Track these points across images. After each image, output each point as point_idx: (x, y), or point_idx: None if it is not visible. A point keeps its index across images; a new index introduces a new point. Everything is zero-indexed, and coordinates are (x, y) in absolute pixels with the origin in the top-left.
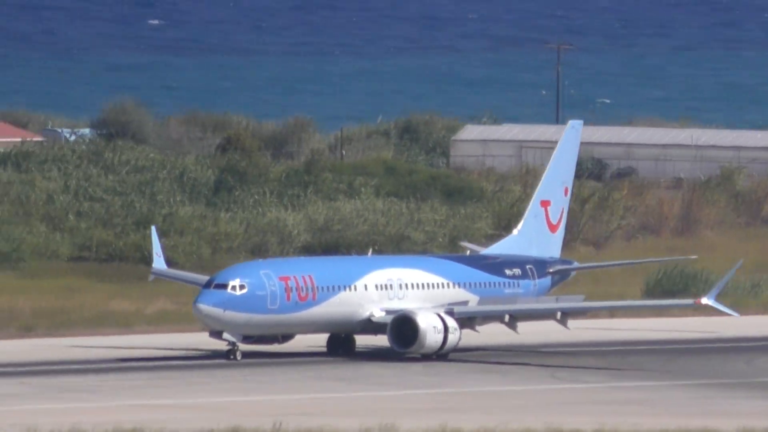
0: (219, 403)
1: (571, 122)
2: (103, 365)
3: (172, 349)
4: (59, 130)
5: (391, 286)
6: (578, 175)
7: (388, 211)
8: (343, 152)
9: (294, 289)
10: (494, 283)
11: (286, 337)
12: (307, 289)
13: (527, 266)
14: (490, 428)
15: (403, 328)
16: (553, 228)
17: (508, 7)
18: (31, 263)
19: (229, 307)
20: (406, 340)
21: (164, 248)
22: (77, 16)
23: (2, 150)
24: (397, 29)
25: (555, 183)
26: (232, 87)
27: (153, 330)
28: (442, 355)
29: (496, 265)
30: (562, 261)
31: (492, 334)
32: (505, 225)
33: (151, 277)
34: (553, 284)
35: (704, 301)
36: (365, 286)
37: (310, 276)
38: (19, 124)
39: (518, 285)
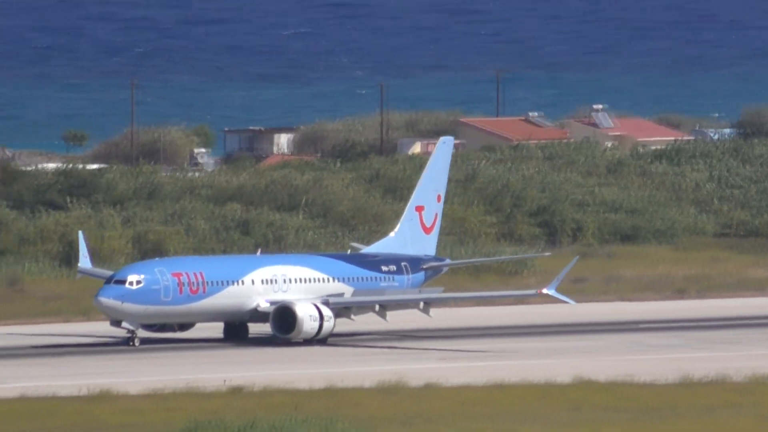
0: None
1: (442, 138)
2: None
3: None
4: (706, 131)
5: (276, 280)
6: None
7: None
8: None
9: (186, 284)
10: (371, 278)
11: (184, 326)
12: (198, 283)
13: (402, 263)
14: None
15: (284, 316)
16: (427, 230)
17: None
18: (682, 238)
19: (127, 300)
20: (286, 327)
21: None
22: None
23: (659, 147)
24: None
25: (428, 191)
26: None
27: None
28: (320, 339)
29: (374, 262)
30: (435, 258)
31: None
32: None
33: (78, 276)
34: (427, 278)
35: (545, 291)
36: (252, 280)
37: (201, 272)
38: (672, 125)
39: (393, 279)
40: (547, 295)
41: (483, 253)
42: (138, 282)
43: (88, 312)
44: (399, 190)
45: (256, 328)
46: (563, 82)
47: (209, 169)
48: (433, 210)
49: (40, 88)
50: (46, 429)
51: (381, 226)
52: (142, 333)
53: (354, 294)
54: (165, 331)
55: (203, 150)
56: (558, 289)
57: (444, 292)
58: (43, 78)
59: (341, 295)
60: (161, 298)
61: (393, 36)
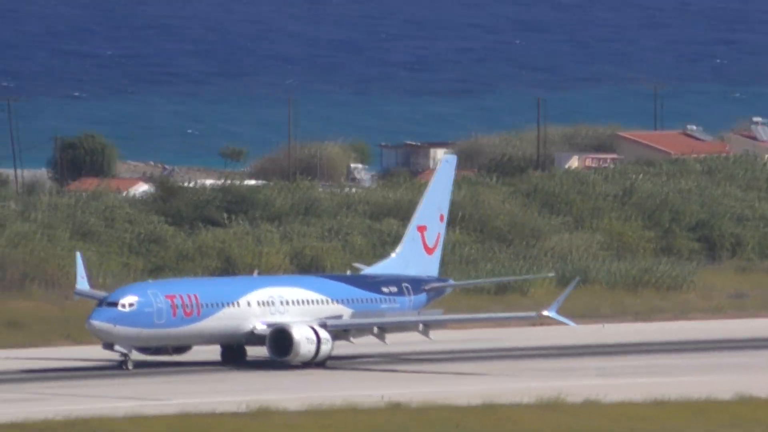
0: None
1: (445, 157)
2: None
3: None
4: None
5: (272, 302)
6: None
7: None
8: None
9: (180, 306)
10: (371, 299)
11: (179, 349)
12: (192, 305)
13: (403, 284)
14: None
15: (280, 339)
16: (429, 250)
17: None
18: None
19: (119, 323)
20: (283, 350)
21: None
22: None
23: None
24: None
25: (431, 211)
26: None
27: None
28: (318, 363)
29: (374, 284)
30: (438, 279)
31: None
32: None
33: (75, 298)
34: (429, 300)
35: (545, 313)
36: (248, 302)
37: (195, 294)
38: None
39: (394, 301)
40: (547, 317)
41: (641, 269)
42: (131, 304)
43: None
44: (556, 205)
45: (254, 352)
46: (720, 95)
47: (366, 185)
48: (436, 230)
49: (197, 105)
50: None
51: (538, 241)
52: (136, 356)
53: (352, 316)
54: (161, 354)
55: (360, 165)
56: (560, 311)
57: (444, 313)
58: (197, 96)
59: (339, 317)
60: (154, 321)
61: (551, 48)
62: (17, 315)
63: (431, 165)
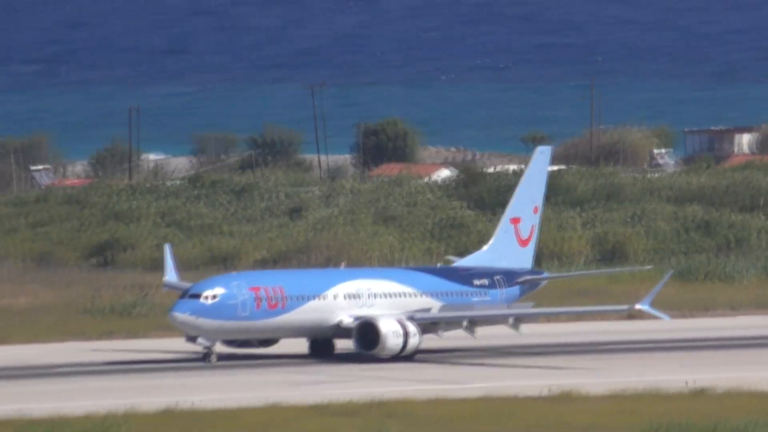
0: None
1: (539, 148)
2: None
3: None
4: None
5: (360, 295)
6: None
7: None
8: None
9: (264, 299)
10: (462, 292)
11: (265, 342)
12: (277, 298)
13: (495, 277)
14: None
15: (367, 332)
16: (523, 243)
17: None
18: None
19: (202, 315)
20: (370, 343)
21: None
22: None
23: None
24: None
25: (525, 202)
26: None
27: None
28: (406, 356)
29: (465, 276)
30: (531, 272)
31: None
32: None
33: (164, 290)
34: (522, 293)
35: (638, 306)
36: (335, 295)
37: (280, 287)
38: None
39: (486, 294)
40: (640, 310)
41: None
42: (214, 297)
43: None
44: None
45: (343, 345)
46: None
47: (669, 170)
48: (530, 222)
49: (497, 92)
50: (507, 429)
51: None
52: (222, 349)
53: (441, 309)
54: (246, 347)
55: (663, 151)
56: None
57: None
58: (498, 83)
59: (428, 310)
60: (238, 313)
61: None
62: None
63: (735, 150)
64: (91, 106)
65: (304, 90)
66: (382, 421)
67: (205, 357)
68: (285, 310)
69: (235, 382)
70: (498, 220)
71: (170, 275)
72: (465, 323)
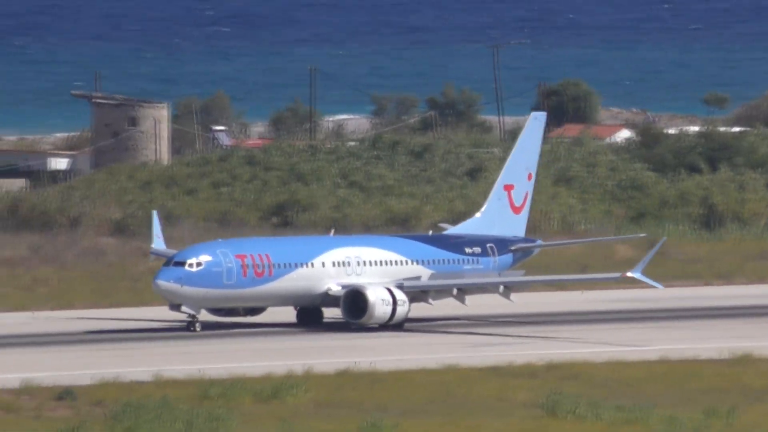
0: None
1: (533, 114)
2: None
3: None
4: None
5: (348, 263)
6: None
7: None
8: None
9: (251, 266)
10: (453, 260)
11: (251, 311)
12: (263, 266)
13: (488, 244)
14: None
15: (355, 300)
16: (516, 210)
17: None
18: None
19: (186, 283)
20: (357, 312)
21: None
22: None
23: None
24: None
25: (518, 169)
26: None
27: None
28: (395, 325)
29: (456, 244)
30: (524, 239)
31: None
32: None
33: (151, 258)
34: (515, 261)
35: (630, 274)
36: (323, 263)
37: (267, 254)
38: None
39: (478, 262)
40: (632, 278)
41: None
42: (198, 264)
43: (729, 276)
44: None
45: (330, 313)
46: None
47: None
48: (524, 189)
49: (682, 53)
50: (688, 390)
51: None
52: (206, 317)
53: (432, 277)
54: (232, 316)
55: None
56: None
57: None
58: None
59: (418, 278)
60: (223, 281)
61: None
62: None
63: None
64: (266, 67)
65: (486, 50)
66: (562, 383)
67: (189, 326)
68: (272, 278)
69: (412, 344)
70: (678, 180)
71: (157, 243)
72: (455, 291)
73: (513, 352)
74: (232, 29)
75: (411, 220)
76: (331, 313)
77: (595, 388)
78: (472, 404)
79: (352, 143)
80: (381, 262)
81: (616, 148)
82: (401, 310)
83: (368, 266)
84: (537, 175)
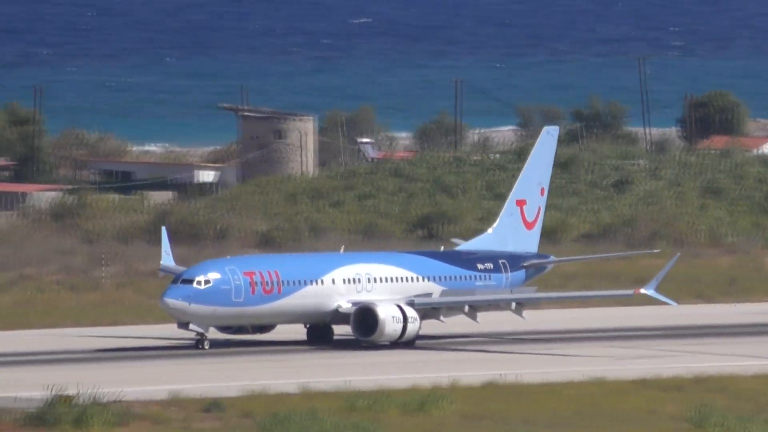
0: None
1: (546, 128)
2: None
3: None
4: None
5: (359, 280)
6: None
7: None
8: None
9: (259, 283)
10: (464, 276)
11: (262, 328)
12: (272, 283)
13: (500, 261)
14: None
15: (365, 318)
16: (529, 225)
17: None
18: None
19: (194, 301)
20: (368, 329)
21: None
22: None
23: None
24: None
25: (531, 184)
26: None
27: None
28: (406, 342)
29: (469, 260)
30: (537, 255)
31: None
32: None
33: (160, 274)
34: (528, 277)
35: (643, 291)
36: (333, 280)
37: (276, 271)
38: None
39: (490, 278)
40: (645, 295)
41: None
42: (206, 282)
43: None
44: None
45: (340, 330)
46: None
47: None
48: (536, 204)
49: None
50: None
51: None
52: (215, 335)
53: (443, 294)
54: (241, 333)
55: None
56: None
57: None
58: None
59: (429, 295)
60: (232, 299)
61: None
62: (645, 272)
63: None
64: (411, 79)
65: (630, 62)
66: (709, 396)
67: (197, 344)
68: (281, 295)
69: (556, 357)
70: None
71: (166, 259)
72: (466, 308)
73: (659, 364)
74: (382, 40)
75: (557, 232)
76: (342, 330)
77: (743, 401)
78: (618, 417)
79: (497, 155)
80: (391, 278)
81: (765, 160)
82: (412, 327)
83: (379, 283)
84: (548, 189)
